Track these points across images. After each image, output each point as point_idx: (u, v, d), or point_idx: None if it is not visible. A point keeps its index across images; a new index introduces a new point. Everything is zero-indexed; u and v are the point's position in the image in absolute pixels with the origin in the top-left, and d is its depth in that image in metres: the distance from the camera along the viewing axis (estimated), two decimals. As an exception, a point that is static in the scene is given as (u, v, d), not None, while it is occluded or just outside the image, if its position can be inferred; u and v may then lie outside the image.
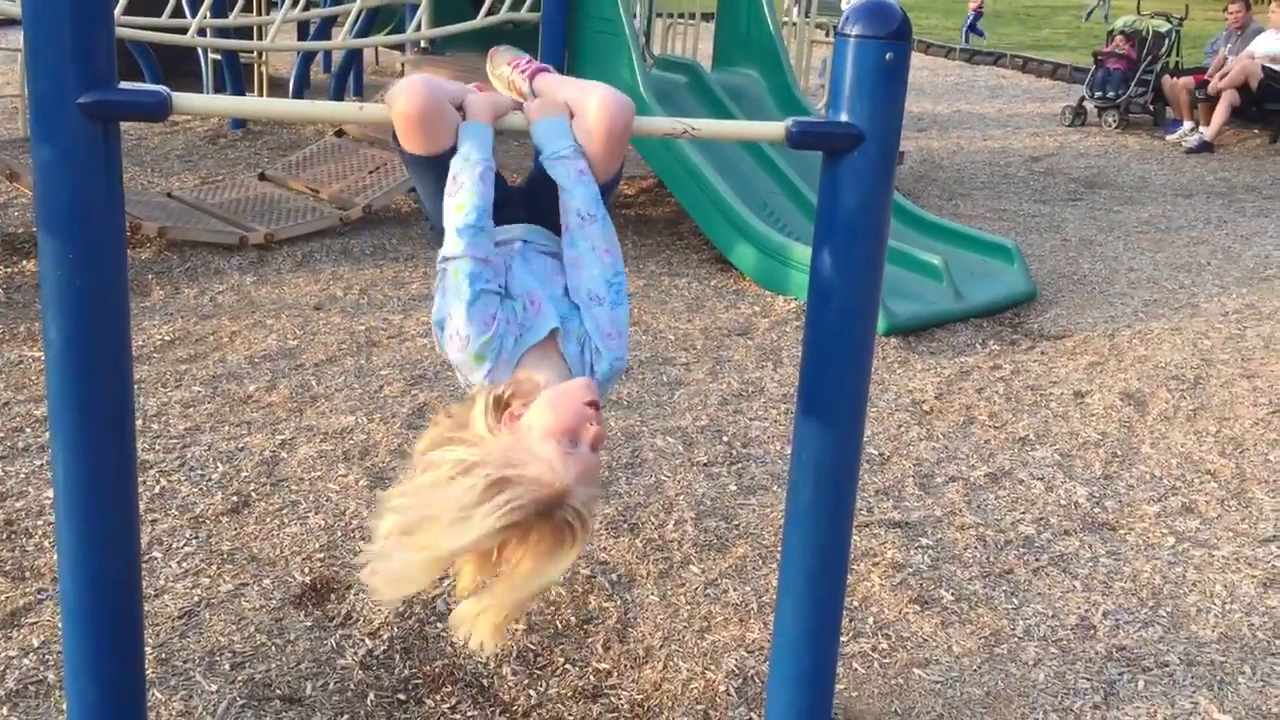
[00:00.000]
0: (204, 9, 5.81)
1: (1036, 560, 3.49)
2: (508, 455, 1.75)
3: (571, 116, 2.09)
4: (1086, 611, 3.22)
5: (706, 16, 8.12)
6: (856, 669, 2.93)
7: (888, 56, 2.21)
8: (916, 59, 18.27)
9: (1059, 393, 4.82)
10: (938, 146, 10.58)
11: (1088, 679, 2.92)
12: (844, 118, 2.23)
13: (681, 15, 8.31)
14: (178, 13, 6.69)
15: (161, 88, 2.05)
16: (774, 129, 2.25)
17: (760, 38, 7.06)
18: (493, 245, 1.97)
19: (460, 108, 2.07)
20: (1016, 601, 3.26)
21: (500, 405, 1.87)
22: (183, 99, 2.06)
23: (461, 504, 1.71)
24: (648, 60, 7.16)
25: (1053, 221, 7.86)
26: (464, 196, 1.96)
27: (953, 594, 3.27)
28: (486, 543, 1.74)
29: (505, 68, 2.55)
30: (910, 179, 9.03)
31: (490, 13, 6.48)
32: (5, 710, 2.61)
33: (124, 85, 2.04)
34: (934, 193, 8.66)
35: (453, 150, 2.03)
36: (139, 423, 4.04)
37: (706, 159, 6.06)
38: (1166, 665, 3.00)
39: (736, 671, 2.90)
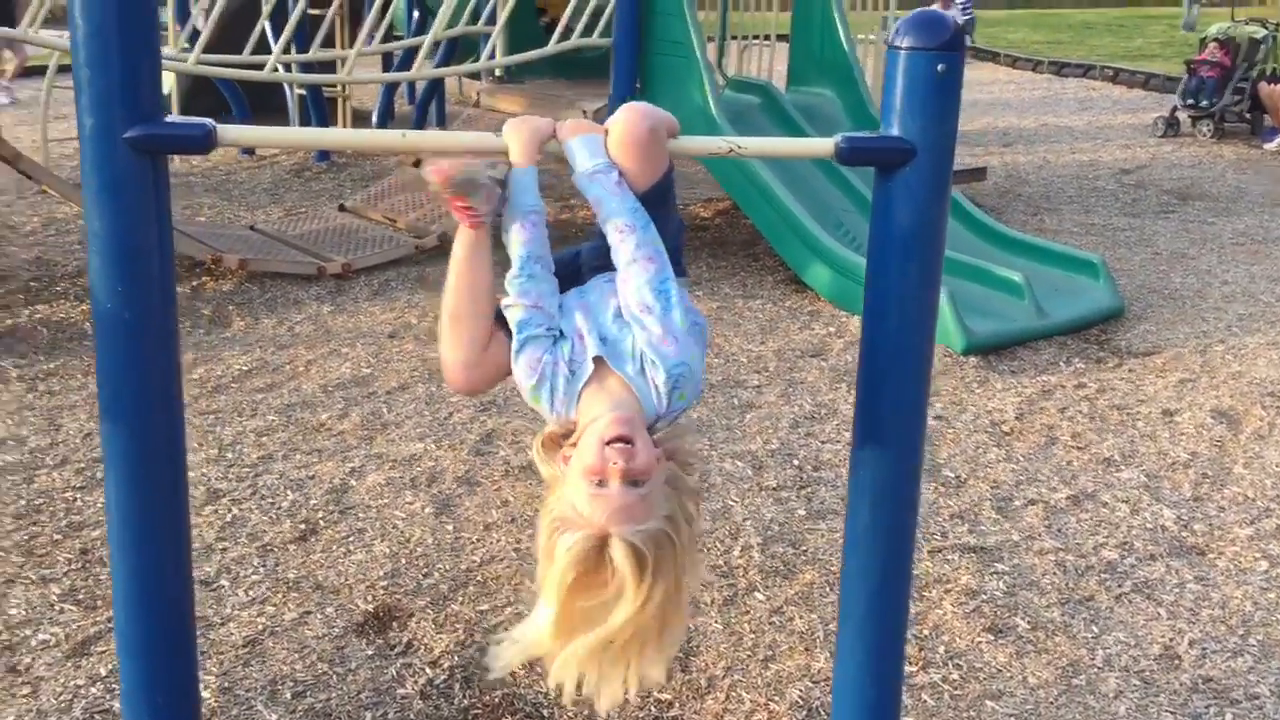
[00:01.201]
0: (280, 45, 5.93)
1: (1119, 586, 3.35)
2: (557, 501, 1.82)
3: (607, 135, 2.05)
4: (1171, 640, 3.08)
5: (782, 37, 8.07)
6: (926, 700, 2.83)
7: (939, 68, 2.14)
8: (1002, 73, 18.02)
9: (1147, 411, 4.65)
10: (1024, 161, 10.37)
11: (1171, 712, 2.79)
12: (895, 132, 2.17)
13: (756, 36, 8.27)
14: (262, 49, 6.83)
15: (206, 120, 2.06)
16: (823, 145, 2.19)
17: (834, 57, 6.99)
18: (545, 288, 1.96)
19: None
20: (1097, 630, 3.13)
21: (552, 444, 1.92)
22: (228, 131, 2.07)
23: (542, 551, 1.82)
24: (720, 82, 7.13)
25: (1143, 235, 7.64)
26: (513, 246, 1.98)
27: (1029, 622, 3.15)
28: (565, 589, 1.79)
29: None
30: (994, 194, 8.85)
31: (563, 39, 6.51)
32: (70, 738, 2.64)
33: (170, 118, 2.06)
34: (1019, 208, 8.48)
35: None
36: (214, 451, 4.10)
37: (779, 178, 6.00)
38: (1256, 697, 2.85)
39: (801, 703, 2.82)
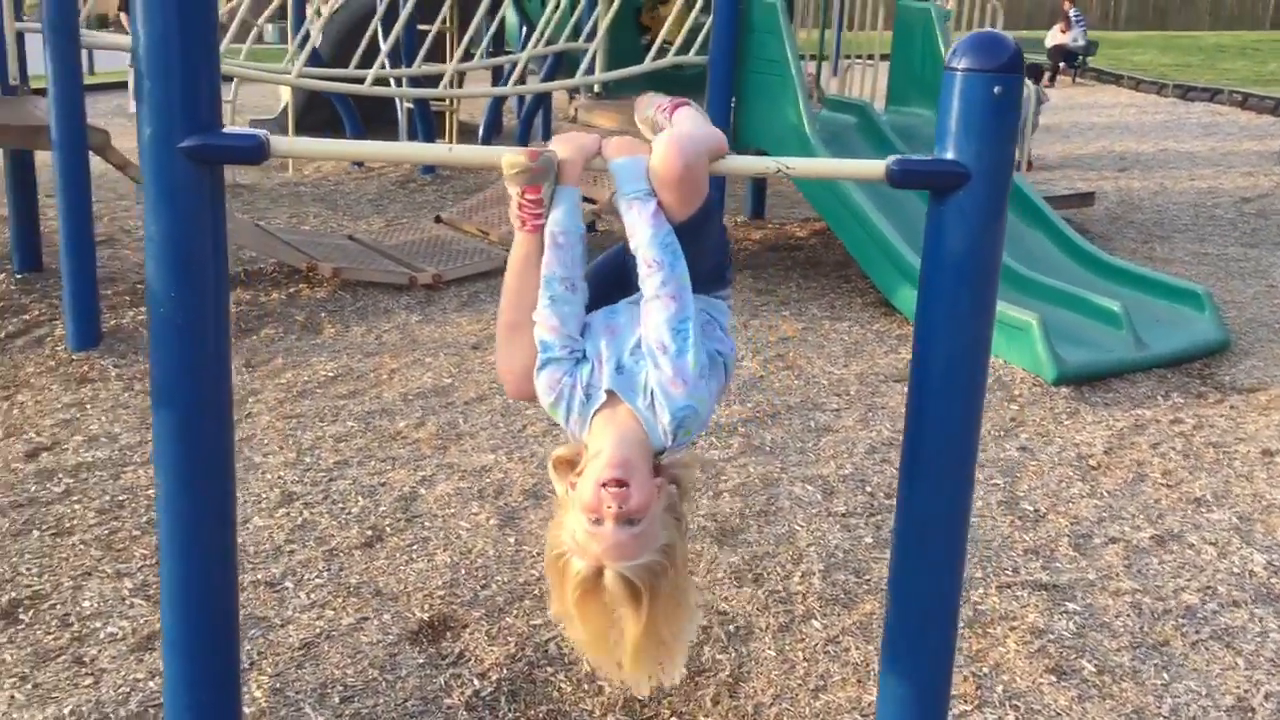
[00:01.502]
0: (379, 59, 6.06)
1: (1197, 633, 3.21)
2: (561, 529, 1.89)
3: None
4: (1246, 691, 2.93)
5: (886, 57, 7.98)
6: (978, 741, 2.75)
7: (996, 90, 2.09)
8: (1125, 95, 17.56)
9: (1245, 451, 4.46)
10: (1139, 187, 10.08)
11: (1238, 768, 2.66)
12: (950, 155, 2.12)
13: (859, 56, 8.19)
14: (372, 63, 7.00)
15: (259, 131, 2.11)
16: (875, 167, 2.15)
17: (935, 77, 6.87)
18: (567, 310, 2.00)
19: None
20: (1167, 677, 2.99)
21: (563, 466, 1.99)
22: (279, 142, 2.11)
23: (551, 570, 1.93)
24: (815, 101, 7.07)
25: (1259, 266, 7.35)
26: (543, 267, 2.02)
27: (1095, 665, 3.04)
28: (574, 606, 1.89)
29: (649, 111, 2.54)
30: (1105, 220, 8.62)
31: (659, 56, 6.52)
32: (124, 730, 2.71)
33: (227, 129, 2.11)
34: (1130, 235, 8.23)
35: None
36: (293, 455, 4.19)
37: (872, 200, 5.92)
38: (1335, 758, 2.70)
39: (848, 735, 2.76)
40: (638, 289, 1.98)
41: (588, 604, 1.83)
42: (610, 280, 2.09)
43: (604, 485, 1.81)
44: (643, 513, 1.81)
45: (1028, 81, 10.63)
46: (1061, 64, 19.49)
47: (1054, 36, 19.81)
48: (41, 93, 5.43)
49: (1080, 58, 19.72)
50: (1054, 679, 2.97)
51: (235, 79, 7.20)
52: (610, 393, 1.94)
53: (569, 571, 1.84)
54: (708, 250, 2.06)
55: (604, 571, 1.81)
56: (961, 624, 3.18)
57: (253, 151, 2.08)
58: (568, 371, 1.97)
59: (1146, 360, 5.28)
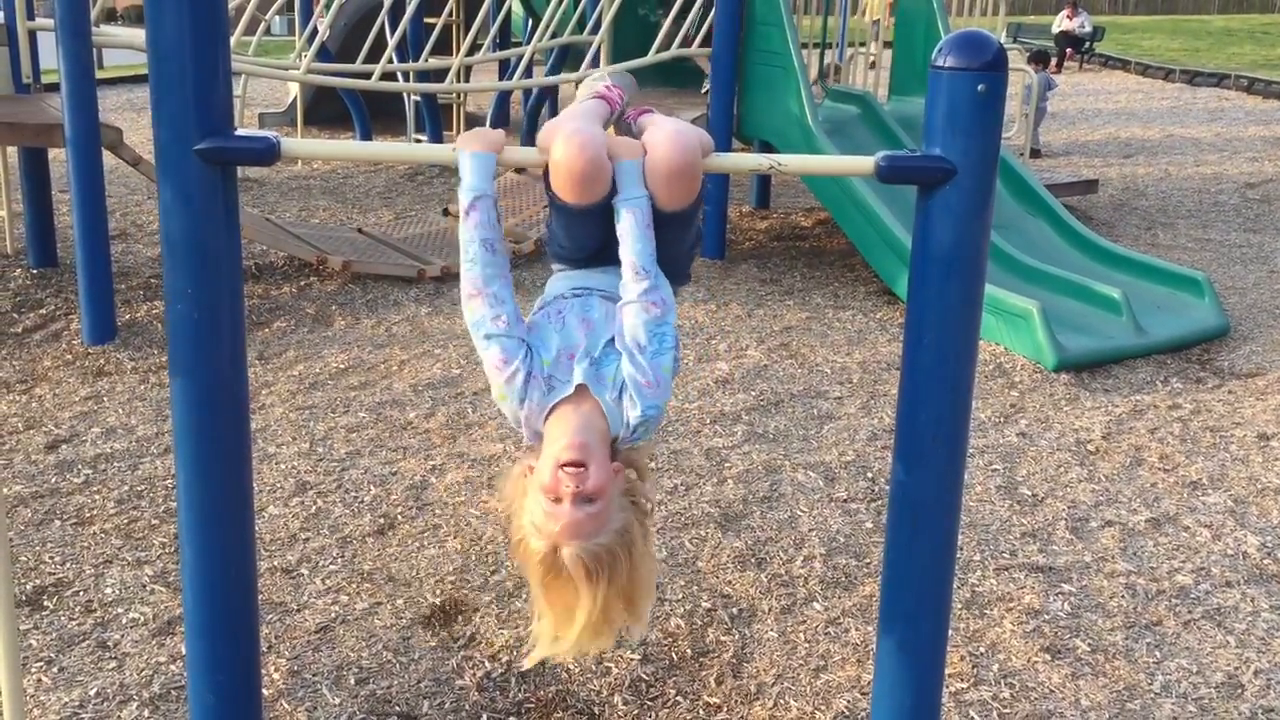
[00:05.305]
0: (385, 54, 6.13)
1: (1189, 612, 3.28)
2: (521, 514, 1.96)
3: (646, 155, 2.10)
4: (1236, 669, 3.01)
5: (890, 45, 8.03)
6: (973, 717, 2.82)
7: (980, 88, 2.16)
8: (1132, 81, 17.55)
9: (1241, 435, 4.53)
10: (1143, 173, 10.11)
11: (1225, 742, 2.74)
12: (936, 151, 2.19)
13: (862, 44, 8.24)
14: (375, 58, 7.08)
15: (270, 133, 2.19)
16: (863, 163, 2.22)
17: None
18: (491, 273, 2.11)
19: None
20: (1159, 655, 3.07)
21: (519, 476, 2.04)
22: (290, 144, 2.19)
23: (516, 554, 1.99)
24: (819, 92, 7.12)
25: (1261, 252, 7.40)
26: (475, 230, 2.15)
27: (1089, 644, 3.11)
28: (540, 588, 1.96)
29: (591, 85, 2.58)
30: (1108, 208, 8.67)
31: (662, 49, 6.59)
32: (146, 712, 2.80)
33: (239, 132, 2.19)
34: (1133, 222, 8.28)
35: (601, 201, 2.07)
36: (306, 445, 4.28)
37: (875, 190, 5.98)
38: (1320, 732, 2.77)
39: (847, 713, 2.84)
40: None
41: (554, 586, 1.89)
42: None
43: (562, 466, 1.87)
44: (600, 494, 1.87)
45: (1034, 68, 10.66)
46: (1068, 49, 19.49)
47: (1061, 22, 19.81)
48: (53, 88, 5.52)
49: (1087, 43, 19.71)
50: (1048, 657, 3.05)
51: (244, 74, 7.28)
52: (580, 387, 1.97)
53: (530, 553, 1.90)
54: (687, 241, 2.15)
55: (559, 550, 1.87)
56: (959, 605, 3.27)
57: (265, 153, 2.16)
58: (521, 359, 1.98)
59: (1146, 346, 5.35)
